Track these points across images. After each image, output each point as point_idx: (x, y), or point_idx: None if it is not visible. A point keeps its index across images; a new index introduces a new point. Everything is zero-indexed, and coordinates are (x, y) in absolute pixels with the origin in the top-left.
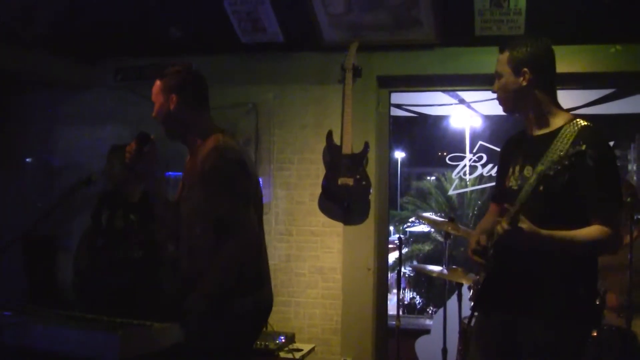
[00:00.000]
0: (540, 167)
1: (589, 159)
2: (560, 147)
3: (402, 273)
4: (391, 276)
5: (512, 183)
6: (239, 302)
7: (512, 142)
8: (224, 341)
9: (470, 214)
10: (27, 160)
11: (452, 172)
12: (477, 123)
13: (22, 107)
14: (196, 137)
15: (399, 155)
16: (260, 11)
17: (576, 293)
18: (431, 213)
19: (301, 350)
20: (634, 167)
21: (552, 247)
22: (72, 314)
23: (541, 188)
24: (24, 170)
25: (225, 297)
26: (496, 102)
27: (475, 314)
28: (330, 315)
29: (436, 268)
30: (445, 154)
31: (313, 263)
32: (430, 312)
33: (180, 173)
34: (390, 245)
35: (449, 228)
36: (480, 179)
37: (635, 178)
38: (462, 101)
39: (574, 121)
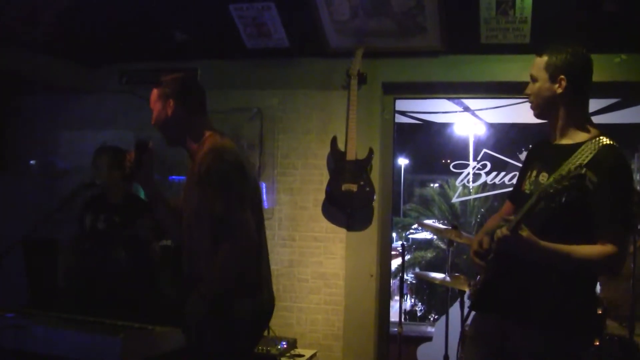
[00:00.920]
0: (546, 182)
1: (588, 182)
2: (577, 163)
3: (404, 280)
4: (393, 283)
5: (527, 187)
6: (238, 304)
7: (537, 146)
8: (223, 344)
9: (473, 222)
10: (30, 163)
11: (456, 179)
12: (481, 131)
13: (25, 110)
14: (194, 141)
15: (403, 162)
16: (266, 16)
17: (571, 303)
18: (434, 220)
19: (303, 356)
20: (637, 177)
21: (548, 259)
22: (73, 317)
23: (541, 204)
24: (26, 173)
25: (224, 300)
26: (501, 110)
27: (473, 313)
28: (332, 321)
29: (439, 275)
30: (448, 161)
31: (316, 269)
32: (431, 319)
33: (181, 177)
34: (392, 252)
35: (452, 235)
36: (484, 187)
37: (639, 188)
38: (466, 109)
39: (597, 138)
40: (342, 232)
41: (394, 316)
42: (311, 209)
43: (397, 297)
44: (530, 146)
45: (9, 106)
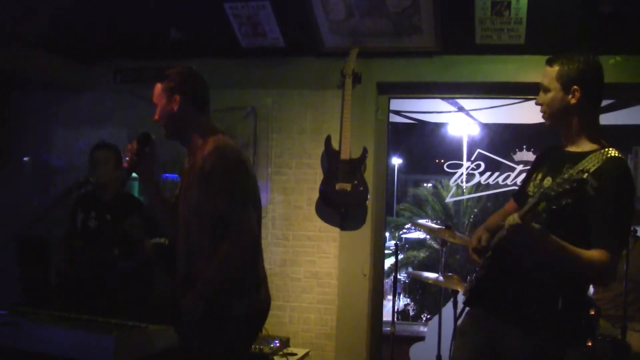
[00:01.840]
0: (549, 184)
1: (589, 187)
2: (585, 169)
3: (397, 280)
4: (386, 282)
5: (531, 189)
6: (236, 304)
7: (547, 151)
8: (219, 343)
9: (467, 222)
10: (25, 160)
11: (449, 179)
12: (476, 131)
13: (20, 107)
14: (197, 138)
15: (396, 161)
16: (261, 15)
17: (562, 304)
18: (427, 220)
19: (295, 354)
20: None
21: (555, 255)
22: (66, 315)
23: (542, 205)
24: (21, 171)
25: (222, 299)
26: (495, 110)
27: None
28: (325, 320)
29: (432, 275)
30: (442, 161)
31: (309, 268)
32: (424, 319)
33: (175, 175)
34: (385, 252)
35: (446, 235)
36: (478, 187)
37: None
38: (461, 109)
39: (605, 150)
40: (335, 231)
41: (386, 315)
42: (305, 209)
43: (389, 297)
44: (542, 150)
45: (3, 103)
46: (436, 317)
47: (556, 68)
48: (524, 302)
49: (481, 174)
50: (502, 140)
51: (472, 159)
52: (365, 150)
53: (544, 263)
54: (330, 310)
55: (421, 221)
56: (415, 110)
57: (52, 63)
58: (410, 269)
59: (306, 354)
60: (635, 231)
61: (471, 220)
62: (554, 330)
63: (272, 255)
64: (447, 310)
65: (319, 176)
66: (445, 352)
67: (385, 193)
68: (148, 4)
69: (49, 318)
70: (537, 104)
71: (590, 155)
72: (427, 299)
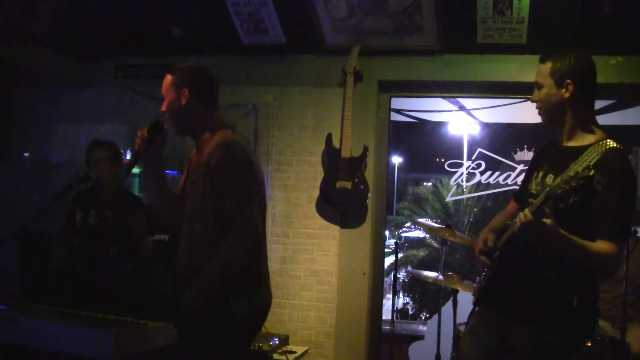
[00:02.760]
0: (553, 183)
1: (596, 183)
2: (581, 165)
3: (396, 278)
4: (385, 281)
5: (533, 187)
6: (237, 302)
7: (545, 148)
8: (219, 340)
9: (466, 222)
10: (25, 155)
11: (450, 178)
12: (476, 130)
13: (21, 104)
14: (204, 133)
15: (397, 160)
16: (263, 13)
17: (571, 304)
18: (427, 219)
19: (294, 352)
20: None
21: (566, 250)
22: (65, 311)
23: (549, 203)
24: (21, 166)
25: (223, 295)
26: (496, 110)
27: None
28: (324, 318)
29: (432, 274)
30: (442, 160)
31: (309, 266)
32: (423, 317)
33: (174, 172)
34: (385, 250)
35: (446, 234)
36: (478, 186)
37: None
38: (462, 108)
39: (604, 141)
40: (335, 229)
41: (386, 314)
42: (305, 206)
43: (389, 295)
44: (539, 148)
45: (4, 99)
46: (435, 316)
47: (549, 64)
48: (535, 300)
49: (481, 173)
50: (503, 139)
51: (473, 158)
52: (365, 149)
53: (552, 260)
54: (329, 309)
55: (421, 220)
56: (416, 109)
57: (53, 60)
58: (409, 268)
59: (305, 352)
60: (636, 232)
61: (471, 219)
62: (568, 328)
63: (272, 253)
64: (447, 309)
65: (319, 174)
66: (445, 351)
67: (385, 191)
68: (150, 0)
69: (48, 314)
70: (532, 101)
71: (589, 148)
72: (427, 297)
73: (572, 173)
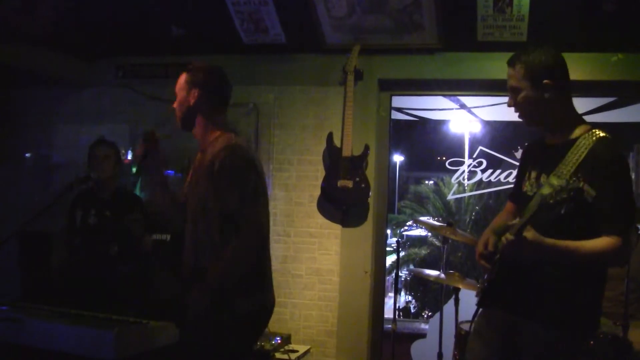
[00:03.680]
0: (549, 190)
1: (586, 195)
2: (574, 160)
3: (398, 277)
4: (387, 280)
5: (528, 189)
6: (241, 302)
7: (532, 146)
8: (222, 341)
9: (468, 220)
10: (26, 156)
11: (451, 177)
12: (477, 128)
13: (22, 103)
14: (209, 134)
15: (398, 158)
16: (263, 12)
17: (579, 300)
18: (428, 218)
19: (297, 351)
20: (633, 176)
21: (556, 256)
22: (67, 311)
23: (542, 213)
24: (22, 166)
25: (228, 295)
26: (497, 108)
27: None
28: (326, 317)
29: (434, 273)
30: (444, 158)
31: (310, 265)
32: (425, 316)
33: (172, 172)
34: (387, 249)
35: (447, 233)
36: (479, 184)
37: (635, 187)
38: (462, 106)
39: (591, 132)
40: (337, 228)
41: (387, 313)
42: (306, 205)
43: (391, 294)
44: (525, 145)
45: (5, 98)
46: (437, 315)
47: (520, 67)
48: (540, 297)
49: (483, 171)
50: (504, 137)
51: (474, 156)
52: (366, 147)
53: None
54: (331, 307)
55: (423, 218)
56: (416, 107)
57: (54, 59)
58: (411, 267)
59: (307, 351)
60: (637, 229)
61: (473, 217)
62: (575, 324)
63: (274, 252)
64: (449, 307)
65: (320, 173)
66: (447, 350)
67: (386, 190)
68: (150, 0)
69: (50, 314)
70: (509, 106)
71: (577, 141)
72: (429, 296)
73: (563, 183)
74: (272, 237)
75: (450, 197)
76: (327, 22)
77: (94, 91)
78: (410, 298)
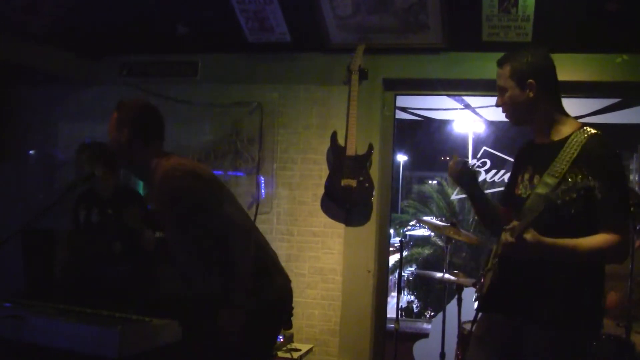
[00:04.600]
0: (545, 189)
1: (597, 192)
2: (567, 158)
3: (401, 276)
4: (390, 279)
5: (522, 191)
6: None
7: (523, 149)
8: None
9: (471, 220)
10: (30, 153)
11: None
12: (481, 128)
13: (26, 101)
14: (146, 169)
15: (402, 158)
16: (268, 11)
17: (580, 300)
18: (432, 217)
19: (299, 350)
20: (637, 178)
21: (556, 255)
22: (70, 308)
23: (547, 213)
24: (26, 164)
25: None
26: (500, 108)
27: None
28: (329, 316)
29: (438, 274)
30: (448, 158)
31: (313, 264)
32: (428, 315)
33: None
34: (390, 248)
35: (451, 233)
36: (483, 184)
37: (637, 189)
38: (467, 106)
39: (582, 129)
40: (340, 227)
41: (390, 312)
42: (310, 204)
43: (393, 294)
44: (518, 149)
45: (8, 97)
46: (440, 314)
47: (507, 67)
48: (543, 299)
49: (487, 171)
50: (508, 138)
51: (478, 156)
52: (370, 147)
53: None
54: (334, 306)
55: (426, 218)
56: (421, 107)
57: (58, 57)
58: (414, 266)
59: (310, 350)
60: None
61: (476, 217)
62: (578, 324)
63: (277, 251)
64: (451, 307)
65: (324, 172)
66: (449, 350)
67: (390, 190)
68: None
69: (53, 311)
70: (497, 105)
71: (568, 140)
72: (431, 296)
73: (570, 183)
74: (276, 235)
75: (453, 197)
76: (332, 21)
77: (98, 89)
78: (412, 298)
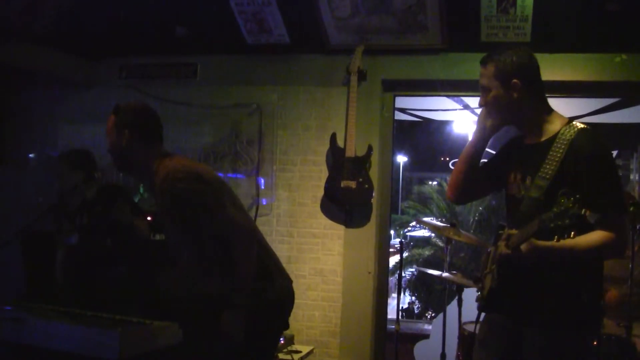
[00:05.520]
0: (537, 192)
1: (589, 218)
2: (556, 157)
3: (402, 277)
4: (390, 280)
5: (515, 191)
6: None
7: (512, 145)
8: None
9: (471, 220)
10: (30, 156)
11: None
12: None
13: (25, 103)
14: (147, 171)
15: (401, 159)
16: (266, 12)
17: (580, 301)
18: (432, 218)
19: (300, 352)
20: (637, 177)
21: (554, 257)
22: (71, 311)
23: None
24: (26, 166)
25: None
26: None
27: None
28: (329, 317)
29: (438, 273)
30: (447, 159)
31: (313, 265)
32: (428, 316)
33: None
34: (390, 249)
35: (451, 233)
36: None
37: (637, 188)
38: (466, 107)
39: (571, 124)
40: (340, 228)
41: (391, 313)
42: (310, 206)
43: (394, 295)
44: (505, 141)
45: (8, 99)
46: (441, 315)
47: (491, 67)
48: (542, 301)
49: None
50: (508, 138)
51: None
52: (370, 148)
53: (552, 263)
54: (334, 308)
55: (426, 219)
56: (420, 108)
57: (57, 59)
58: (415, 267)
59: (310, 352)
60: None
61: (476, 218)
62: (579, 324)
63: (277, 252)
64: (452, 308)
65: (323, 173)
66: (450, 350)
67: (390, 191)
68: (154, 0)
69: (54, 313)
70: (480, 105)
71: (556, 137)
72: (432, 296)
73: (563, 207)
74: (276, 237)
75: None
76: (331, 22)
77: (98, 91)
78: (413, 299)
